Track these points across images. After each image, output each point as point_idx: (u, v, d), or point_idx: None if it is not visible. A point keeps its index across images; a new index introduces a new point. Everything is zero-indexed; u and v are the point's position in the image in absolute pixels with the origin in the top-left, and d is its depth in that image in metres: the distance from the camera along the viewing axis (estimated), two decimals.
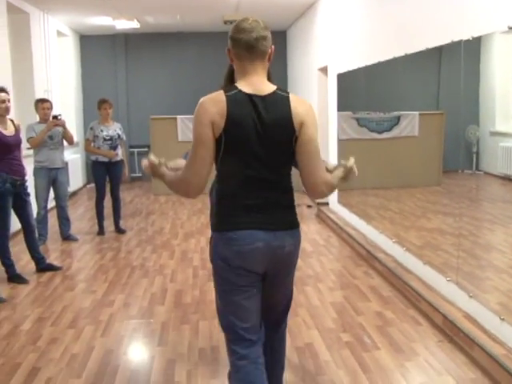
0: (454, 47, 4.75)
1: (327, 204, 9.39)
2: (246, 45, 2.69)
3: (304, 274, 6.23)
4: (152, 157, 3.03)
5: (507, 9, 4.02)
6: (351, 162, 2.87)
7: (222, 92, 2.70)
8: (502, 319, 4.05)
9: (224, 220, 2.75)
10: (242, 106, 2.64)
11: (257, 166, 2.66)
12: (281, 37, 13.90)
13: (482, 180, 5.26)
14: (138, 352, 4.46)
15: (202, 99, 2.72)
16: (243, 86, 2.70)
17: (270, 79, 2.80)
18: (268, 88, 2.71)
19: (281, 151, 2.70)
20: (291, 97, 2.72)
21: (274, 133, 2.65)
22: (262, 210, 2.71)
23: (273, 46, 2.77)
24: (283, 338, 3.25)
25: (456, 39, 4.71)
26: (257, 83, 2.70)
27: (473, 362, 4.03)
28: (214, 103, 2.65)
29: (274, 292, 2.95)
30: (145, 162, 3.04)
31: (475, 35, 4.45)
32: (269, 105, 2.66)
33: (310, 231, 8.37)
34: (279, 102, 2.68)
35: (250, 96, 2.65)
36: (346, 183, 2.96)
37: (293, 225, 2.82)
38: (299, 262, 6.50)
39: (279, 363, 3.23)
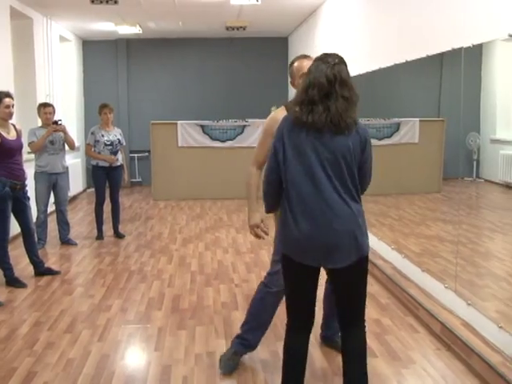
0: (456, 54, 4.74)
1: None
2: None
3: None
4: None
5: (507, 17, 4.02)
6: None
7: None
8: (500, 327, 4.04)
9: None
10: None
11: None
12: (282, 43, 13.93)
13: (483, 187, 5.26)
14: (134, 357, 4.45)
15: None
16: None
17: None
18: None
19: None
20: None
21: None
22: None
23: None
24: None
25: (456, 47, 4.71)
26: None
27: (470, 370, 4.02)
28: None
29: None
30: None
31: (476, 43, 4.44)
32: None
33: None
34: None
35: None
36: None
37: None
38: None
39: None
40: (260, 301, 4.07)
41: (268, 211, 3.41)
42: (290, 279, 3.26)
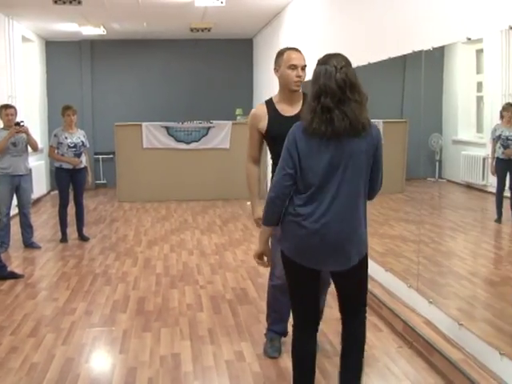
0: (417, 57, 4.80)
1: None
2: None
3: (267, 280, 6.23)
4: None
5: (466, 20, 4.10)
6: None
7: None
8: (461, 324, 4.11)
9: None
10: None
11: None
12: (247, 44, 13.99)
13: (445, 188, 5.32)
14: (99, 360, 4.43)
15: None
16: None
17: None
18: None
19: None
20: None
21: None
22: None
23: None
24: None
25: (417, 49, 4.78)
26: None
27: (432, 367, 4.08)
28: None
29: None
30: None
31: (435, 46, 4.51)
32: None
33: None
34: None
35: None
36: None
37: None
38: (262, 269, 6.54)
39: None
40: (270, 295, 4.36)
41: (268, 224, 3.28)
42: (294, 280, 3.27)
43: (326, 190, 3.00)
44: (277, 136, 3.83)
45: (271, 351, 4.31)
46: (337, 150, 2.98)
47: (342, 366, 3.40)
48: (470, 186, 4.90)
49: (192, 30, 11.94)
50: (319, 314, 3.37)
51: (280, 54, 4.02)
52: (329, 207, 3.00)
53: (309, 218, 3.03)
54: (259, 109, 4.11)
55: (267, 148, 4.20)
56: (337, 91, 2.95)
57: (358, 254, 3.14)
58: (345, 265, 3.11)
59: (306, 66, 3.96)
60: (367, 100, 3.05)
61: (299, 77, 3.91)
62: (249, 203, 11.52)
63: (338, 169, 2.99)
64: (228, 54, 13.83)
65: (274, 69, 4.07)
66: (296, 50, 4.02)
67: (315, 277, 3.21)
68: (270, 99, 4.12)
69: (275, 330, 4.38)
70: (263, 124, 4.02)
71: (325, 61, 3.05)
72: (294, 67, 3.89)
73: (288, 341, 4.41)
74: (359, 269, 3.21)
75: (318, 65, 3.08)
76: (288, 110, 3.98)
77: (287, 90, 3.99)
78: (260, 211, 3.99)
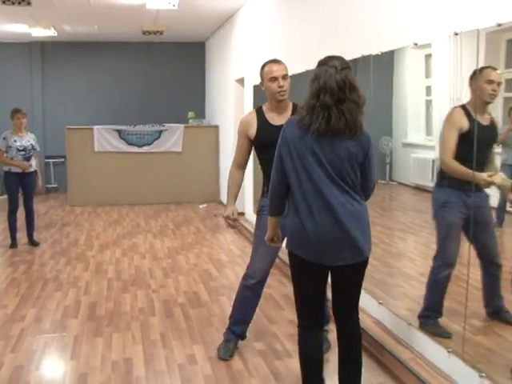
0: (368, 60, 4.86)
1: (243, 214, 9.41)
2: None
3: (219, 283, 6.26)
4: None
5: (413, 26, 4.18)
6: None
7: None
8: (410, 324, 4.18)
9: None
10: None
11: None
12: (199, 48, 13.95)
13: (395, 190, 5.40)
14: (49, 367, 4.38)
15: None
16: None
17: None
18: None
19: None
20: None
21: None
22: None
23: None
24: None
25: (366, 54, 4.84)
26: None
27: (382, 366, 4.15)
28: None
29: None
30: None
31: (384, 50, 4.59)
32: None
33: (226, 241, 8.43)
34: None
35: None
36: None
37: None
38: (215, 273, 6.53)
39: None
40: (240, 295, 4.37)
41: (272, 214, 3.41)
42: (300, 277, 3.31)
43: (318, 187, 3.06)
44: (264, 143, 4.05)
45: (223, 352, 4.34)
46: (327, 149, 3.05)
47: (342, 367, 3.41)
48: (419, 188, 4.98)
49: (144, 32, 11.86)
50: (324, 315, 3.44)
51: (262, 67, 4.18)
52: (322, 205, 3.06)
53: (308, 217, 3.08)
54: (249, 116, 4.28)
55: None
56: (336, 90, 3.01)
57: (360, 251, 3.14)
58: (343, 259, 3.13)
59: (286, 74, 4.09)
60: (364, 103, 3.10)
61: (281, 87, 4.05)
62: (201, 206, 11.57)
63: (327, 168, 3.05)
64: (180, 57, 13.77)
65: (260, 83, 4.23)
66: (276, 61, 4.15)
67: (325, 276, 3.27)
68: (260, 107, 4.27)
69: (235, 330, 4.40)
70: (252, 131, 4.18)
71: (325, 62, 3.13)
72: (274, 79, 4.04)
73: (243, 343, 4.47)
74: (359, 268, 3.24)
75: (318, 65, 3.16)
76: (276, 120, 4.11)
77: (274, 101, 4.14)
78: (230, 210, 4.27)
